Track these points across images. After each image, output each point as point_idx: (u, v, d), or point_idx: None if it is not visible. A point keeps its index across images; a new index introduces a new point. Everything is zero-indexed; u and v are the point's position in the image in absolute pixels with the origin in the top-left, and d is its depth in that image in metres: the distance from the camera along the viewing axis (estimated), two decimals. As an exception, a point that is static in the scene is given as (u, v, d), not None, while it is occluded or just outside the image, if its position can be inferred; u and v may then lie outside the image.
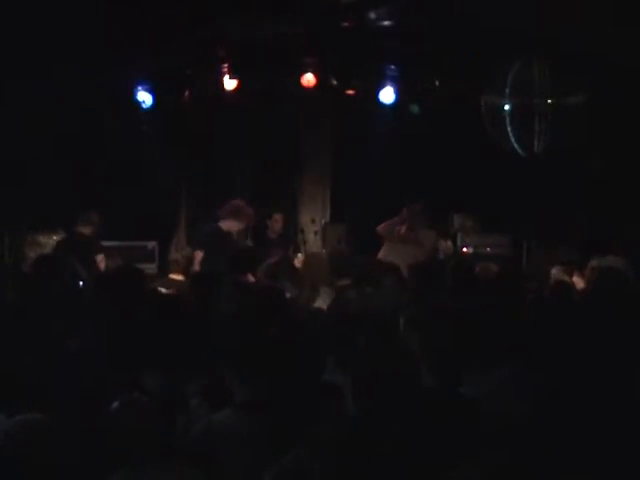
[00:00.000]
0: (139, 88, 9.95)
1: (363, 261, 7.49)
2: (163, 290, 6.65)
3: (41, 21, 7.91)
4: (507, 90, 8.80)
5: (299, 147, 11.73)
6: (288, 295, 5.85)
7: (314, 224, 11.07)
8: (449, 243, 9.87)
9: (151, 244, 10.10)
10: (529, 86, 8.74)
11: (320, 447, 3.11)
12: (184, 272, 7.58)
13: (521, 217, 10.39)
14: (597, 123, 8.95)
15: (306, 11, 8.76)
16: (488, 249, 10.42)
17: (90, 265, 7.76)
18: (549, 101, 8.71)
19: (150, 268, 9.32)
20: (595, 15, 7.56)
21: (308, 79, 9.95)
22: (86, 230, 8.43)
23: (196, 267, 7.99)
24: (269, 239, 10.04)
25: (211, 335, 4.57)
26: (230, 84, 10.02)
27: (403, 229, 9.18)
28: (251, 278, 6.71)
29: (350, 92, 10.44)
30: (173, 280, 7.48)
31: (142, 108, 10.03)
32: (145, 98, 9.96)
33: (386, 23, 9.04)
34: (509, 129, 8.87)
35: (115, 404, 3.38)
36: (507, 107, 8.86)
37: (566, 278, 7.20)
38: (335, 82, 10.19)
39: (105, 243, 8.67)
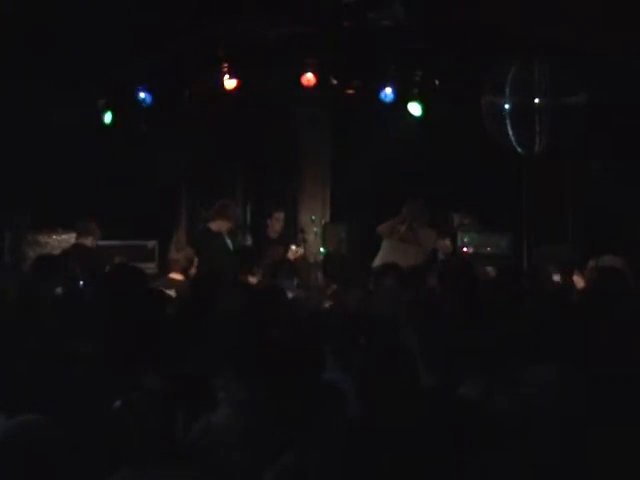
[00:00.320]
0: (139, 88, 9.96)
1: (357, 265, 7.49)
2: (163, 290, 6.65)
3: (41, 21, 7.92)
4: (507, 90, 8.81)
5: (299, 147, 11.72)
6: (289, 295, 5.86)
7: (314, 224, 11.06)
8: (448, 242, 9.88)
9: (151, 243, 10.07)
10: (529, 86, 8.75)
11: (320, 447, 3.11)
12: (184, 272, 7.58)
13: (521, 217, 10.39)
14: (597, 123, 8.95)
15: (306, 11, 8.77)
16: (488, 249, 10.41)
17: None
18: (549, 101, 8.72)
19: (150, 268, 9.28)
20: (595, 15, 7.57)
21: (308, 78, 9.93)
22: (87, 242, 8.31)
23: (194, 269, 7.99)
24: (269, 239, 10.03)
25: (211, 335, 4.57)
26: (230, 84, 10.02)
27: (403, 229, 9.19)
28: (251, 278, 6.71)
29: (350, 92, 10.43)
30: (173, 280, 7.46)
31: (142, 108, 10.04)
32: (145, 98, 9.97)
33: (386, 23, 9.05)
34: (509, 129, 8.88)
35: (115, 404, 3.38)
36: (507, 107, 8.87)
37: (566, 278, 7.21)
38: (335, 82, 10.18)
39: (105, 242, 8.66)
